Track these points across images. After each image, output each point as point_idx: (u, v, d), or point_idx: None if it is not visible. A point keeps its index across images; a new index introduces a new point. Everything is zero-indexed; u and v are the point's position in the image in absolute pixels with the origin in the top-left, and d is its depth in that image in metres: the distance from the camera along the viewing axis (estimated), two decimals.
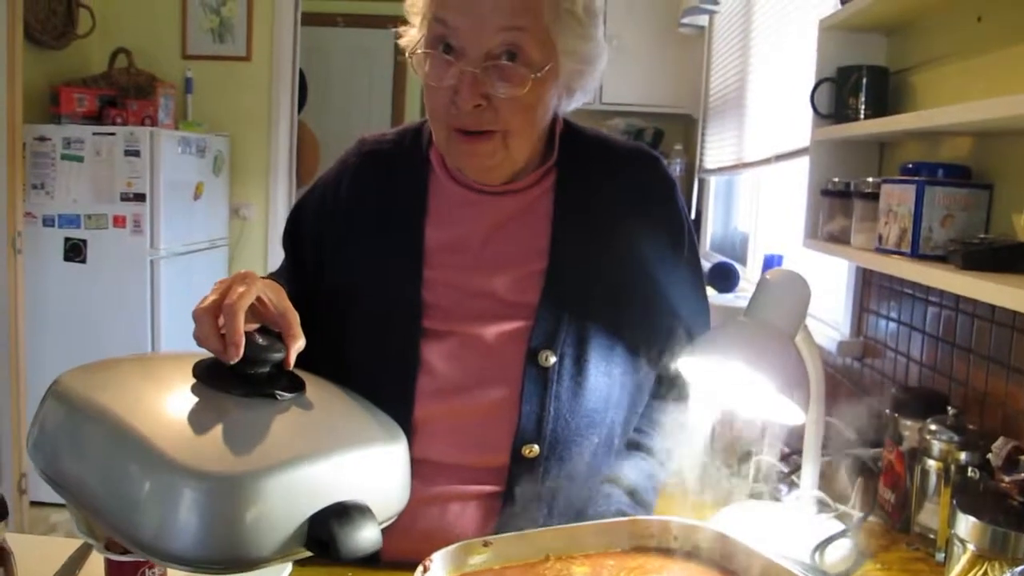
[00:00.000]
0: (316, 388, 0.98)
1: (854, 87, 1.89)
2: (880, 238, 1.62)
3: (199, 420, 0.86)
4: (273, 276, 1.29)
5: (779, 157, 2.87)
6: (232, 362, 0.91)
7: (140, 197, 3.81)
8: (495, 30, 1.11)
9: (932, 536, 1.40)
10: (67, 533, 3.07)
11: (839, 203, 1.89)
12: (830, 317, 2.41)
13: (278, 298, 1.00)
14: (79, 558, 1.08)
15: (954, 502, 1.11)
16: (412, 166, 1.29)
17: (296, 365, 0.98)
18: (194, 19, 4.53)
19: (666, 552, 1.03)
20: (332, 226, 1.29)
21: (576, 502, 1.21)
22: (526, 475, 1.18)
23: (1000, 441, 1.29)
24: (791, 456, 1.69)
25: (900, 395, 1.63)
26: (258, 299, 0.97)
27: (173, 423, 0.85)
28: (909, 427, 1.52)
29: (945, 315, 1.73)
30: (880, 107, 1.88)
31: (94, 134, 3.82)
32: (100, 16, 4.32)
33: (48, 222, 3.84)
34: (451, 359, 1.21)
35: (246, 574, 0.81)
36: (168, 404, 0.89)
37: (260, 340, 0.94)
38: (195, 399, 0.90)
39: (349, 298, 1.25)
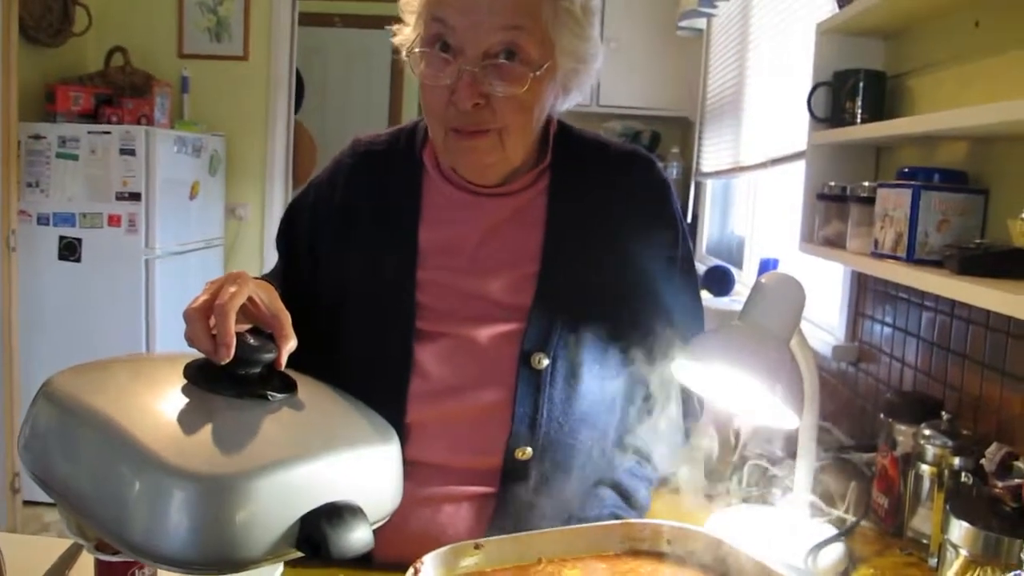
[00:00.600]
0: (308, 389, 0.98)
1: (851, 91, 1.89)
2: (876, 242, 1.62)
3: (189, 421, 0.86)
4: (267, 277, 1.28)
5: (776, 161, 2.87)
6: (223, 362, 0.91)
7: (135, 196, 3.80)
8: (494, 29, 1.11)
9: (925, 541, 1.40)
10: (59, 533, 3.05)
11: (835, 207, 1.89)
12: (825, 321, 2.41)
13: (270, 298, 1.00)
14: (69, 558, 1.08)
15: (947, 507, 1.11)
16: (406, 167, 1.28)
17: (288, 366, 0.97)
18: (191, 18, 4.53)
19: (658, 556, 1.03)
20: (326, 227, 1.29)
21: (569, 504, 1.21)
22: (519, 477, 1.18)
23: (994, 447, 1.29)
24: (785, 460, 1.68)
25: (894, 400, 1.63)
26: (250, 299, 0.97)
27: (163, 424, 0.84)
28: (903, 432, 1.52)
29: (940, 320, 1.73)
30: (877, 111, 1.88)
31: (89, 132, 3.81)
32: (96, 14, 4.32)
33: (43, 220, 3.83)
34: (444, 361, 1.20)
35: (237, 575, 0.80)
36: (158, 405, 0.88)
37: (251, 341, 0.93)
38: (185, 400, 0.89)
39: (342, 299, 1.25)
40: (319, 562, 0.81)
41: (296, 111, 4.86)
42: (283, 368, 0.97)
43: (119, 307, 3.84)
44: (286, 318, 0.99)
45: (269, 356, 0.94)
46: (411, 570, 0.91)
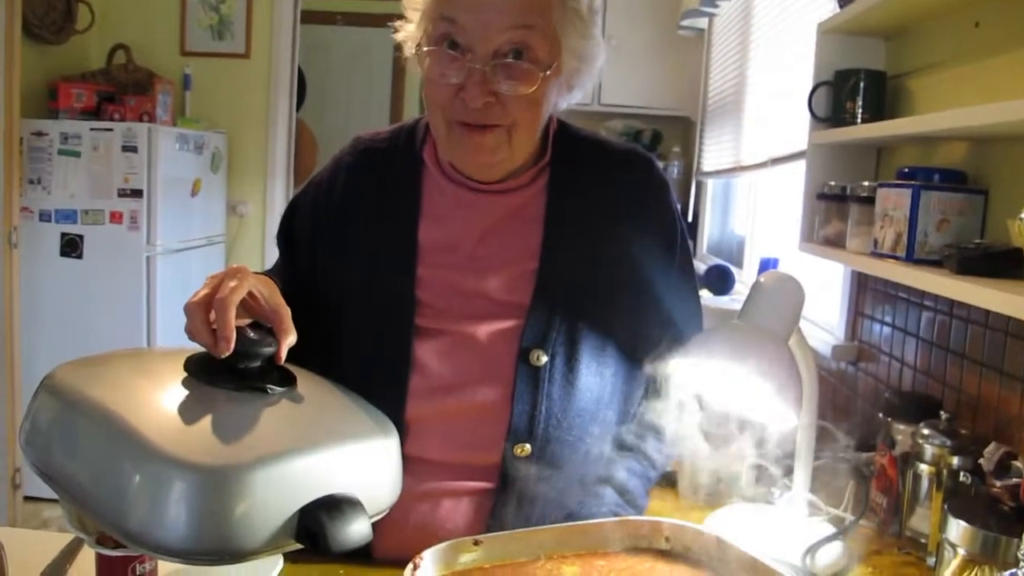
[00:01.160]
0: (307, 383, 0.98)
1: (852, 91, 1.90)
2: (876, 242, 1.62)
3: (189, 413, 0.87)
4: (267, 274, 1.29)
5: (776, 160, 2.87)
6: (223, 356, 0.91)
7: (137, 193, 3.81)
8: (504, 28, 1.11)
9: (923, 540, 1.41)
10: (60, 528, 3.06)
11: (835, 207, 1.90)
12: (825, 321, 2.42)
13: (270, 293, 1.01)
14: (70, 553, 1.08)
15: (946, 507, 1.11)
16: (406, 164, 1.29)
17: (288, 362, 0.98)
18: (193, 16, 4.53)
19: (657, 553, 1.04)
20: (326, 224, 1.29)
21: (568, 501, 1.21)
22: (518, 473, 1.18)
23: (992, 446, 1.29)
24: (783, 459, 1.68)
25: (893, 399, 1.63)
26: (250, 294, 0.97)
27: (163, 416, 0.85)
28: (902, 431, 1.52)
29: (939, 320, 1.73)
30: (877, 111, 1.88)
31: (92, 130, 3.82)
32: (99, 12, 4.32)
33: (45, 217, 3.84)
34: (443, 358, 1.21)
35: (236, 566, 0.81)
36: (159, 398, 0.89)
37: (251, 334, 0.94)
38: (185, 392, 0.90)
39: (342, 295, 1.25)
40: (319, 557, 0.82)
41: (298, 109, 4.86)
42: (283, 362, 0.97)
43: (121, 304, 3.85)
44: (286, 312, 1.00)
45: (269, 350, 0.95)
46: (410, 566, 0.92)
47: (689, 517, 1.16)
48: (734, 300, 2.99)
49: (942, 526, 1.11)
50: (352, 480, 0.87)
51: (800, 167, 2.22)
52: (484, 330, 1.21)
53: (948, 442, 1.38)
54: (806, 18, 2.63)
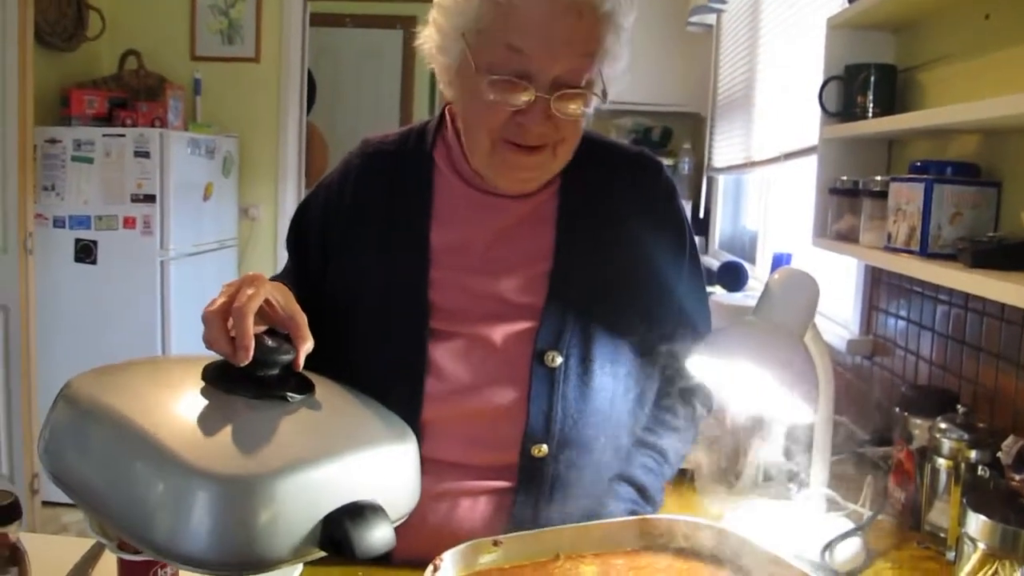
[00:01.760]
0: (325, 389, 0.98)
1: (862, 85, 1.89)
2: (889, 236, 1.62)
3: (212, 423, 0.87)
4: (278, 278, 1.29)
5: (787, 155, 2.87)
6: (242, 364, 0.92)
7: (150, 198, 3.83)
8: (569, 56, 1.11)
9: (942, 535, 1.40)
10: (79, 533, 3.08)
11: (848, 201, 1.89)
12: (839, 315, 2.41)
13: (286, 300, 1.01)
14: (92, 557, 1.09)
15: (964, 501, 1.11)
16: (416, 166, 1.29)
17: (303, 367, 0.98)
18: (203, 21, 4.55)
19: (675, 551, 1.04)
20: (336, 227, 1.29)
21: (585, 500, 1.21)
22: (535, 473, 1.19)
23: (1010, 439, 1.29)
24: (800, 455, 1.68)
25: (910, 393, 1.63)
26: (266, 301, 0.98)
27: (186, 426, 0.85)
28: (919, 425, 1.51)
29: (954, 313, 1.72)
30: (888, 105, 1.87)
31: (104, 136, 3.84)
32: (110, 18, 4.34)
33: (59, 223, 3.86)
34: (458, 360, 1.21)
35: (259, 575, 0.81)
36: (179, 407, 0.89)
37: (269, 342, 0.94)
38: (206, 402, 0.90)
39: (355, 299, 1.25)
40: (338, 560, 0.82)
41: (308, 111, 4.88)
42: (300, 369, 0.97)
43: (135, 308, 3.87)
44: (302, 319, 1.00)
45: (287, 357, 0.95)
46: (430, 567, 0.92)
47: (707, 515, 1.16)
48: (747, 296, 2.98)
49: (961, 520, 1.10)
50: (373, 486, 0.87)
51: (812, 162, 2.21)
52: (499, 332, 1.21)
53: (966, 436, 1.37)
54: (815, 13, 2.62)
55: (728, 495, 1.55)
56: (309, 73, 4.84)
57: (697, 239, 1.40)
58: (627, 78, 1.22)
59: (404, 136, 1.34)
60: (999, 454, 1.29)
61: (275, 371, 0.94)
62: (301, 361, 0.97)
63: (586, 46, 1.12)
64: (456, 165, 1.27)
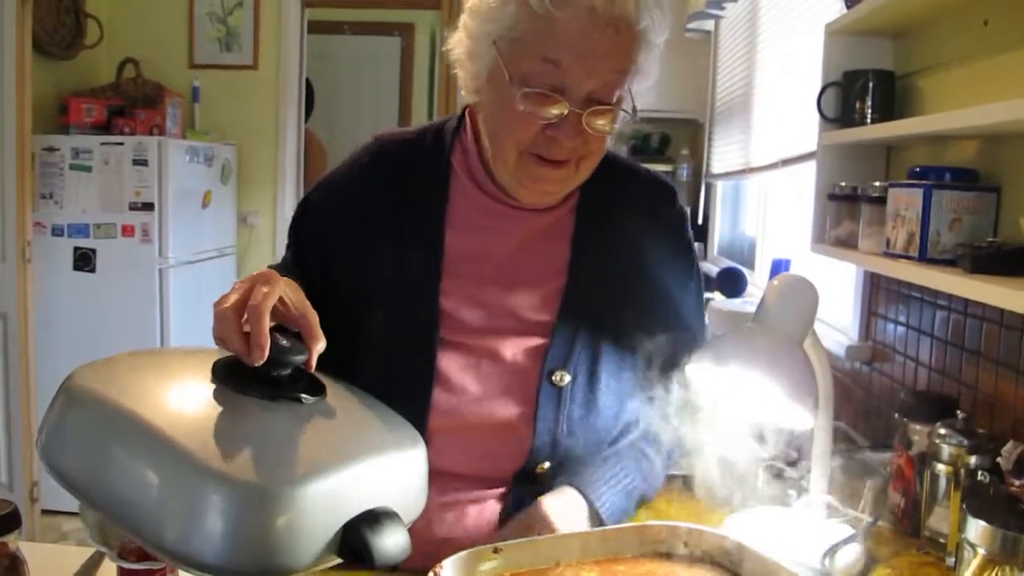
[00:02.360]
0: (335, 391, 0.97)
1: (861, 91, 1.89)
2: (888, 242, 1.62)
3: (228, 425, 0.85)
4: (278, 269, 1.27)
5: (786, 161, 2.87)
6: (256, 364, 0.89)
7: (148, 206, 3.83)
8: (604, 72, 1.11)
9: (942, 540, 1.40)
10: (78, 542, 3.07)
11: (846, 207, 1.89)
12: (838, 321, 2.41)
13: (298, 298, 0.99)
14: (92, 566, 1.08)
15: (964, 506, 1.11)
16: (433, 168, 1.26)
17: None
18: (201, 29, 4.56)
19: (676, 558, 1.04)
20: (339, 224, 1.27)
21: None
22: (535, 486, 1.19)
23: (1010, 445, 1.29)
24: (800, 461, 1.68)
25: (909, 399, 1.63)
26: (279, 299, 0.95)
27: (203, 429, 0.83)
28: (918, 431, 1.51)
29: (954, 319, 1.72)
30: (887, 111, 1.88)
31: (102, 144, 3.85)
32: (108, 27, 4.35)
33: (57, 232, 3.86)
34: (467, 372, 1.20)
35: None
36: (191, 407, 0.87)
37: (283, 342, 0.92)
38: (220, 402, 0.88)
39: (362, 302, 1.23)
40: (337, 567, 0.82)
41: (306, 119, 4.88)
42: (313, 370, 0.96)
43: (134, 316, 3.87)
44: (314, 318, 0.98)
45: (301, 358, 0.93)
46: (430, 575, 0.92)
47: (707, 521, 1.16)
48: (746, 303, 2.98)
49: (961, 526, 1.10)
50: (387, 492, 0.86)
51: (810, 168, 2.22)
52: (509, 347, 1.20)
53: (965, 441, 1.37)
54: (813, 19, 2.62)
55: (728, 502, 1.55)
56: (307, 80, 4.85)
57: (696, 245, 1.42)
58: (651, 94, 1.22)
59: (420, 134, 1.32)
60: (999, 459, 1.29)
61: (287, 371, 0.93)
62: (314, 362, 0.95)
63: (621, 62, 1.12)
64: (472, 171, 1.26)
